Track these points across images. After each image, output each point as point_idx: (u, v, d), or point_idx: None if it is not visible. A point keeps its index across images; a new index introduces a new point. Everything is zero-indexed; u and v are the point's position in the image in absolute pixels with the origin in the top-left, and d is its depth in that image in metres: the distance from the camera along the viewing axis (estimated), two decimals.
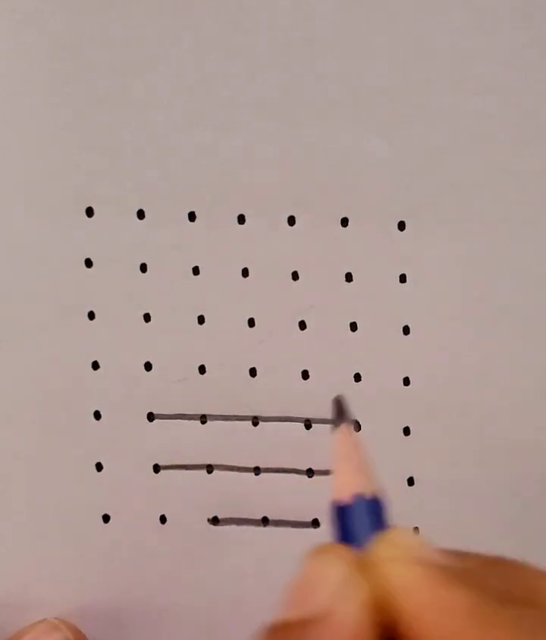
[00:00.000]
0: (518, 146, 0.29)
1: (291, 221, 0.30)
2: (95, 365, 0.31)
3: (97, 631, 0.31)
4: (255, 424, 0.31)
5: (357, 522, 0.22)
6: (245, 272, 0.30)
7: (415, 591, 0.20)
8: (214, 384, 0.31)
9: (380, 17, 0.28)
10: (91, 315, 0.30)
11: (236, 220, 0.30)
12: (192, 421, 0.31)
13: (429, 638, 0.20)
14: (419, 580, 0.21)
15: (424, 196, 0.29)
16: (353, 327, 0.30)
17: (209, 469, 0.31)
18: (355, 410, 0.31)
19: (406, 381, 0.31)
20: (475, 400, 0.30)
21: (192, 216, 0.30)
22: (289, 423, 0.31)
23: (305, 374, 0.31)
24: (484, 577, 0.22)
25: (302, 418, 0.31)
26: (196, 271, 0.30)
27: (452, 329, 0.30)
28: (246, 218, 0.30)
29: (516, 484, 0.31)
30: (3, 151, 0.29)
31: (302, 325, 0.30)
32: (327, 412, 0.31)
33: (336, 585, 0.21)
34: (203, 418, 0.31)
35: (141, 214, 0.30)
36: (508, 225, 0.29)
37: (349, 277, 0.30)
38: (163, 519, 0.32)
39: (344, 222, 0.30)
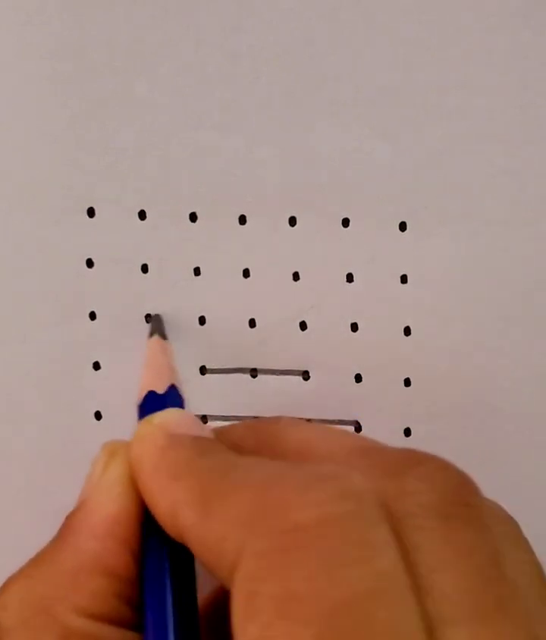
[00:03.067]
0: (518, 146, 0.29)
1: (292, 221, 0.30)
2: (97, 366, 0.31)
3: None
4: None
5: (148, 413, 0.24)
6: (246, 273, 0.30)
7: (142, 458, 0.22)
8: (215, 385, 0.31)
9: (380, 17, 0.28)
10: (92, 316, 0.30)
11: (237, 220, 0.30)
12: None
13: (147, 496, 0.21)
14: (145, 447, 0.22)
15: (425, 197, 0.29)
16: (354, 327, 0.30)
17: None
18: (356, 411, 0.31)
19: (407, 382, 0.30)
20: (475, 400, 0.30)
21: (193, 217, 0.30)
22: None
23: (305, 375, 0.31)
24: (239, 439, 0.23)
25: (303, 419, 0.31)
26: (197, 271, 0.30)
27: (453, 330, 0.30)
28: (247, 218, 0.30)
29: (516, 484, 0.31)
30: (3, 151, 0.29)
31: (303, 326, 0.30)
32: (329, 413, 0.31)
33: (95, 475, 0.23)
34: (204, 419, 0.31)
35: (142, 215, 0.30)
36: (508, 225, 0.29)
37: (350, 278, 0.30)
38: None
39: (345, 223, 0.30)
